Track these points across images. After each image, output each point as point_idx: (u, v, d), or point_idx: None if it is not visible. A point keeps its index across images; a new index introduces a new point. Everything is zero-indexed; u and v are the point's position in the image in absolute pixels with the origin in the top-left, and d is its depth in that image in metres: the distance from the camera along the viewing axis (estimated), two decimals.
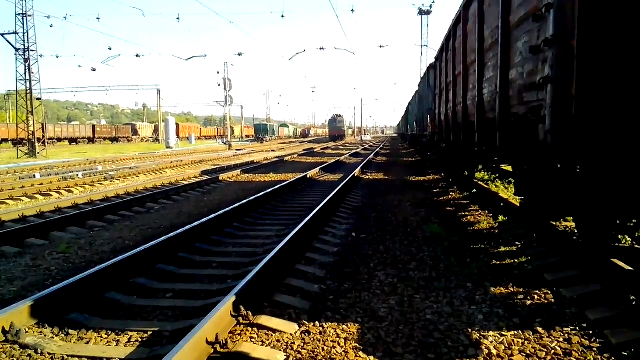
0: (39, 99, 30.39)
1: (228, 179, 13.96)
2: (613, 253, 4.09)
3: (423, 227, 6.47)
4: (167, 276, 4.62)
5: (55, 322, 3.47)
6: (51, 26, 30.93)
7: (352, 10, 32.56)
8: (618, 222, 4.12)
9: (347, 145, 44.36)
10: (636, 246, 4.50)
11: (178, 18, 31.64)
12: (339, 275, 4.48)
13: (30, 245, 6.07)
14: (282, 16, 29.77)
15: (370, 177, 13.61)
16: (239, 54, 37.38)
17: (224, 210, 7.00)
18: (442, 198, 9.30)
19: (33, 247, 5.98)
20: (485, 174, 11.02)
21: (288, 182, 11.22)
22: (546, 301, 3.69)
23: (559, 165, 4.09)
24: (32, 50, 28.74)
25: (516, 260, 4.76)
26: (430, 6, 42.26)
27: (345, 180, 10.87)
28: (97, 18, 33.23)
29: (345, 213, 7.71)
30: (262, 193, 8.90)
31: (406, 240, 5.80)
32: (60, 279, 4.60)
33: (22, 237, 6.23)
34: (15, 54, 28.52)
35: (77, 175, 14.88)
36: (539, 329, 3.19)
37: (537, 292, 3.86)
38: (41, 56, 31.54)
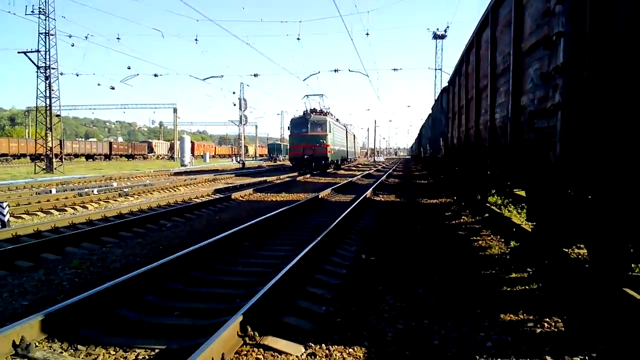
0: (58, 115, 31.13)
1: (240, 198, 14.05)
2: (625, 282, 4.03)
3: (433, 251, 6.43)
4: (176, 294, 4.65)
5: (65, 337, 3.51)
6: (72, 45, 31.84)
7: (367, 34, 33.16)
8: (631, 250, 4.06)
9: (360, 166, 44.40)
10: None
11: (196, 39, 32.35)
12: (347, 297, 4.46)
13: (44, 260, 6.16)
14: (298, 39, 30.31)
15: (382, 199, 13.58)
16: (254, 75, 37.94)
17: (234, 229, 7.04)
18: (453, 221, 9.24)
19: (47, 262, 6.06)
20: (498, 198, 10.94)
21: (300, 202, 11.26)
22: (556, 329, 3.63)
23: (570, 192, 4.07)
24: (53, 68, 29.65)
25: (527, 287, 4.70)
26: (445, 30, 42.75)
27: (357, 202, 10.87)
28: (118, 38, 34.51)
29: (356, 234, 7.70)
30: (274, 212, 8.94)
31: (416, 263, 5.77)
32: (71, 294, 4.66)
33: (37, 252, 6.33)
34: (37, 72, 29.41)
35: (93, 191, 15.11)
36: (548, 358, 3.14)
37: (548, 320, 3.80)
38: (61, 74, 32.37)
